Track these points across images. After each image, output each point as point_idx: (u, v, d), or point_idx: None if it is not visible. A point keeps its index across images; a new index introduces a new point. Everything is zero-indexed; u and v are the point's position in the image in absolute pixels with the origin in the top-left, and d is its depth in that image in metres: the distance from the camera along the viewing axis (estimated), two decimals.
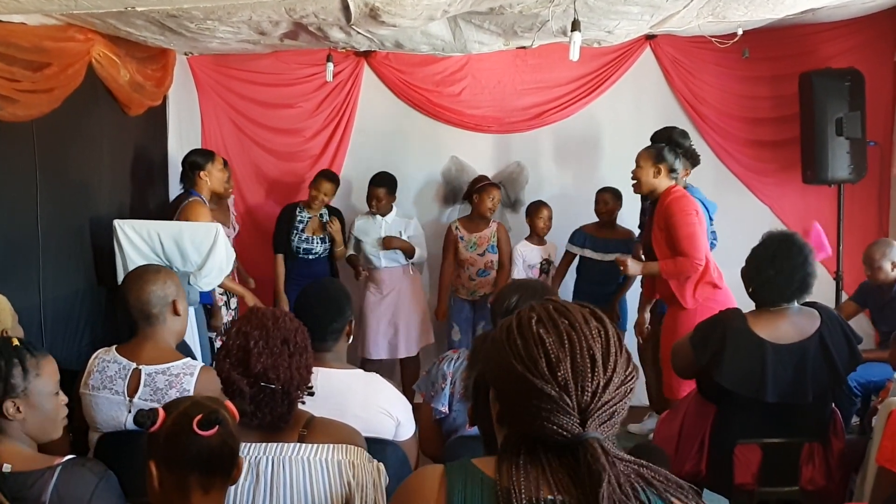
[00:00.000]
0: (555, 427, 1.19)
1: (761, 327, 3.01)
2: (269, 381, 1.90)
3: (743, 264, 3.18)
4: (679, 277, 3.95)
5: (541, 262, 5.42)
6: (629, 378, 1.23)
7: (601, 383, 1.20)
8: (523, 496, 1.18)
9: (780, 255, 3.04)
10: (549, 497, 1.19)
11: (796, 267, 3.02)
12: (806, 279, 3.03)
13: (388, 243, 5.24)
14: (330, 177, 5.26)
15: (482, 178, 5.46)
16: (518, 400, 1.23)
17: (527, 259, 5.42)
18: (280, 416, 1.94)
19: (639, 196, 4.91)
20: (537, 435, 1.22)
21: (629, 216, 5.32)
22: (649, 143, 4.14)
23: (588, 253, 5.26)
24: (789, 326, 3.02)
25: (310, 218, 5.23)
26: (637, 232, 5.25)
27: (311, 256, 5.22)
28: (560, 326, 1.23)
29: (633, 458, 1.22)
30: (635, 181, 4.15)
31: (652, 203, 4.17)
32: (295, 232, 5.19)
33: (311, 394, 2.03)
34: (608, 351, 1.22)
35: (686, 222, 3.91)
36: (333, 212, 5.34)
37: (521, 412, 1.23)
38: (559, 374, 1.19)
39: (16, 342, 2.04)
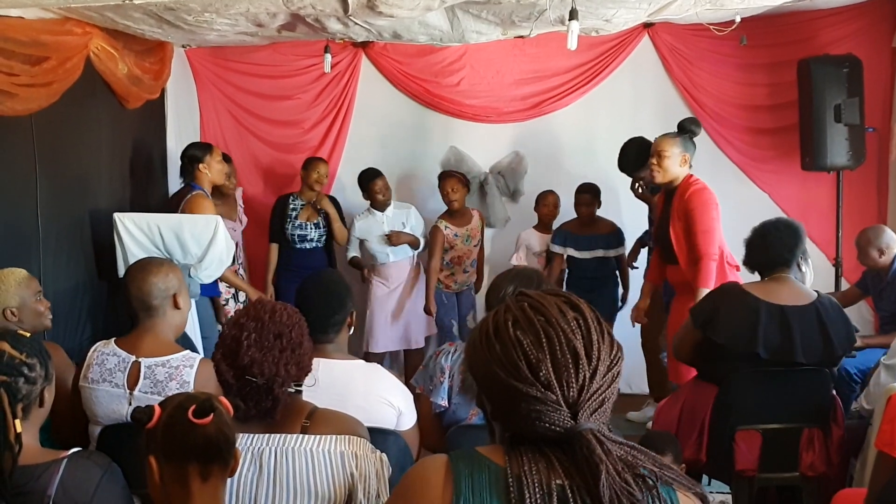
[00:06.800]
0: (546, 425, 1.21)
1: (758, 291, 3.12)
2: (252, 375, 1.87)
3: (743, 251, 3.24)
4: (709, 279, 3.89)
5: (545, 251, 5.37)
6: (615, 362, 1.25)
7: (587, 376, 1.22)
8: (536, 483, 1.19)
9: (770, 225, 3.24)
10: (559, 482, 1.20)
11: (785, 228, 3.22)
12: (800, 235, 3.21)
13: (395, 238, 5.23)
14: (323, 160, 5.30)
15: (448, 172, 5.40)
16: (506, 404, 1.24)
17: (530, 246, 5.41)
18: (266, 411, 1.91)
19: (636, 195, 4.89)
20: (531, 434, 1.23)
21: (632, 213, 5.33)
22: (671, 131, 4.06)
23: (571, 252, 5.21)
24: (786, 292, 3.12)
25: (303, 205, 5.21)
26: (639, 232, 5.25)
27: (307, 245, 5.21)
28: (536, 325, 1.24)
29: (628, 443, 1.23)
30: (658, 169, 4.02)
31: (668, 194, 4.11)
32: (288, 220, 5.19)
33: (300, 391, 2.02)
34: (590, 340, 1.24)
35: (705, 217, 3.89)
36: (331, 200, 5.32)
37: (511, 415, 1.24)
38: (541, 374, 1.21)
39: (27, 334, 2.05)
